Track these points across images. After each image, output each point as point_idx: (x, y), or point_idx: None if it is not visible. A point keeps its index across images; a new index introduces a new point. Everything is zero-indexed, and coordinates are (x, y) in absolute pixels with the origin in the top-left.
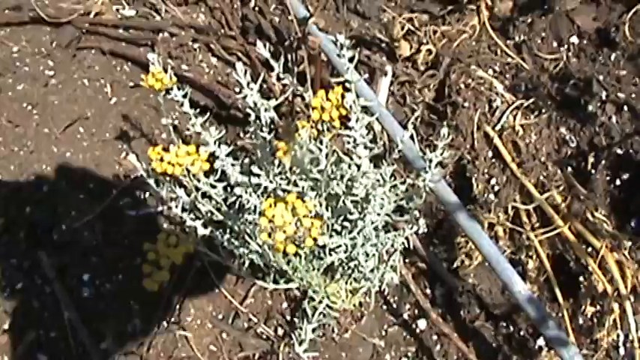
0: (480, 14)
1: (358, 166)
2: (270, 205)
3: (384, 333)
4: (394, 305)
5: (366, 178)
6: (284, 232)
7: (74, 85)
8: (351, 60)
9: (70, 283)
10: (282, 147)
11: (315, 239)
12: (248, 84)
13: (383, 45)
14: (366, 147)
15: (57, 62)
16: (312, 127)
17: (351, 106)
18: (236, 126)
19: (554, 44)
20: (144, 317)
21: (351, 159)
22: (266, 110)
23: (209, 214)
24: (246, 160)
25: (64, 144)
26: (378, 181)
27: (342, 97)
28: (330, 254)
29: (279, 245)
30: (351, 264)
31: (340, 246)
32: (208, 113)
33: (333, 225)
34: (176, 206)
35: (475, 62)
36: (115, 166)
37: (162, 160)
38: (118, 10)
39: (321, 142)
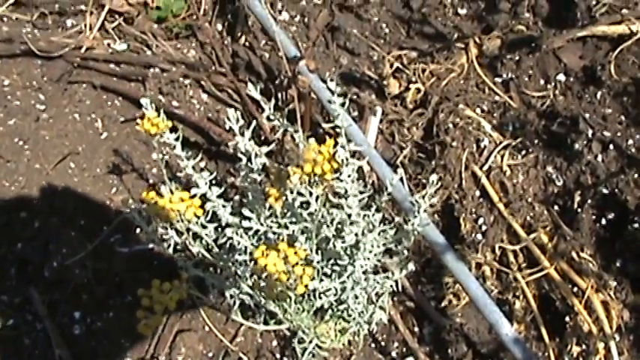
0: (469, 52)
1: (348, 215)
2: (263, 254)
3: None
4: (382, 344)
5: (356, 226)
6: (277, 280)
7: (65, 119)
8: (341, 105)
9: (61, 321)
10: (274, 193)
11: (306, 286)
12: (241, 132)
13: (372, 82)
14: (356, 196)
15: (48, 96)
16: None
17: (342, 160)
18: (226, 162)
19: (542, 82)
20: (135, 355)
21: (341, 206)
22: (257, 156)
23: (200, 255)
24: (237, 198)
25: (56, 179)
26: (368, 225)
27: (335, 151)
28: (320, 297)
29: (272, 292)
30: (341, 307)
31: (330, 289)
32: (198, 150)
33: (323, 268)
34: (167, 246)
35: (463, 101)
36: (106, 202)
37: (156, 204)
38: (109, 44)
39: (312, 187)
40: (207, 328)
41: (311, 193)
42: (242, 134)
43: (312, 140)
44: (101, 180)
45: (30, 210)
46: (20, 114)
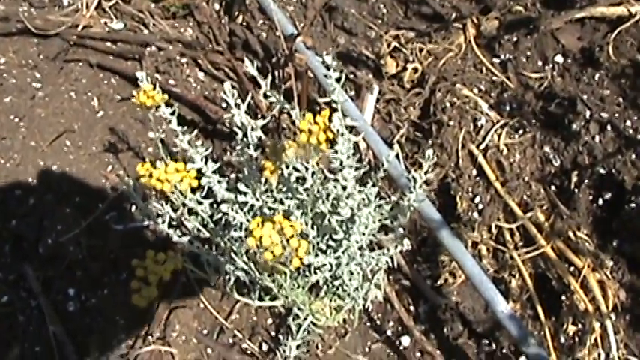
0: (466, 32)
1: (344, 187)
2: (258, 225)
3: (367, 350)
4: (378, 322)
5: (352, 199)
6: (271, 252)
7: (61, 97)
8: (337, 80)
9: (56, 297)
10: (269, 167)
11: (301, 259)
12: (236, 104)
13: (369, 62)
14: (351, 167)
15: (44, 74)
16: (298, 147)
17: (338, 130)
18: (222, 141)
19: (539, 63)
20: (129, 332)
21: (337, 180)
22: (253, 130)
23: (195, 231)
24: (233, 177)
25: (51, 157)
26: (364, 200)
27: (330, 120)
28: (315, 273)
29: (266, 265)
30: (336, 282)
31: (325, 265)
32: (195, 128)
33: (318, 244)
34: (162, 222)
35: (460, 80)
36: (101, 180)
37: (150, 176)
38: (106, 23)
39: (307, 162)
40: (201, 305)
41: (307, 168)
42: (237, 107)
43: (309, 114)
44: (97, 158)
45: (25, 187)
46: (16, 91)
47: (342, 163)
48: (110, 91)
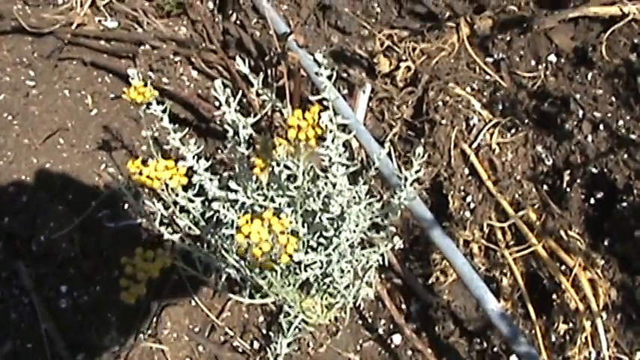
0: (460, 32)
1: (334, 184)
2: (247, 222)
3: (358, 348)
4: (369, 320)
5: (342, 197)
6: (260, 248)
7: (55, 95)
8: (329, 78)
9: (48, 294)
10: (259, 163)
11: (290, 255)
12: (227, 101)
13: (362, 61)
14: (342, 165)
15: (38, 72)
16: (288, 143)
17: (326, 126)
18: (215, 139)
19: (533, 62)
20: (121, 329)
21: (327, 177)
22: (244, 127)
23: (187, 228)
24: (225, 175)
25: (44, 155)
26: (354, 198)
27: (319, 116)
28: (306, 270)
29: (255, 261)
30: (327, 280)
31: (316, 262)
32: (188, 127)
33: (308, 241)
34: (154, 220)
35: (453, 79)
36: (94, 178)
37: (140, 173)
38: (100, 21)
39: (298, 159)
40: (193, 303)
41: (298, 166)
42: (228, 104)
43: (298, 110)
44: (90, 156)
45: (18, 185)
46: (10, 89)
47: (330, 159)
48: (104, 89)
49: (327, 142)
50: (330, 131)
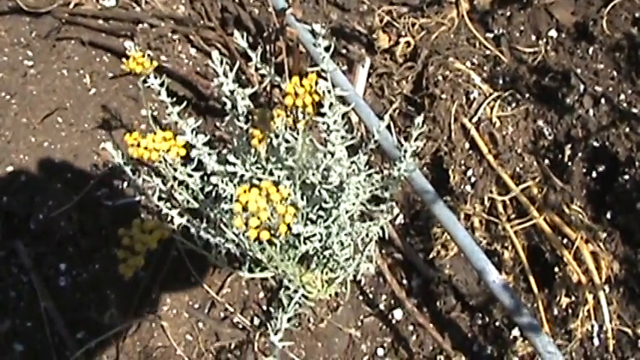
0: (459, 7)
1: (332, 154)
2: (245, 191)
3: (359, 323)
4: (370, 296)
5: (340, 166)
6: (258, 218)
7: (53, 75)
8: (327, 49)
9: (47, 273)
10: (257, 135)
11: (289, 226)
12: (224, 72)
13: (362, 37)
14: (339, 132)
15: (36, 52)
16: (287, 115)
17: (324, 92)
18: (214, 117)
19: (533, 37)
20: (120, 307)
21: (326, 147)
22: (242, 99)
23: (185, 203)
24: (224, 151)
25: (42, 134)
26: (354, 170)
27: (316, 83)
28: (305, 243)
29: (253, 232)
30: (326, 253)
31: (315, 235)
32: (186, 105)
33: (308, 214)
34: (152, 194)
35: (453, 54)
36: (93, 157)
37: (138, 145)
38: (97, 0)
39: (297, 132)
40: (193, 280)
41: (296, 138)
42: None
43: (295, 77)
44: (89, 135)
45: (16, 164)
46: (7, 69)
47: (328, 127)
48: (102, 68)
49: (324, 108)
50: (328, 99)
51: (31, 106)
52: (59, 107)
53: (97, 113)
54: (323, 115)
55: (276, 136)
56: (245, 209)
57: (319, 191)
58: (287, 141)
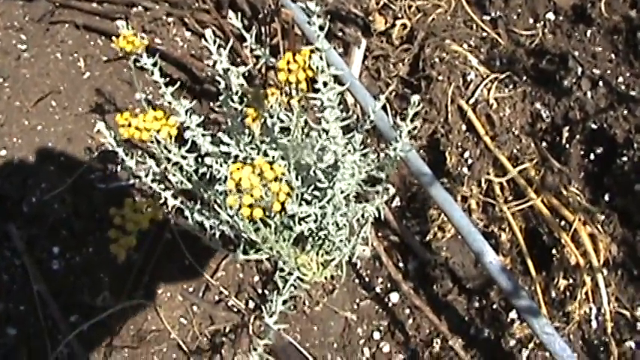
0: None
1: (327, 132)
2: (238, 169)
3: (355, 306)
4: (366, 279)
5: (335, 144)
6: (251, 196)
7: (47, 58)
8: (321, 28)
9: (40, 256)
10: (251, 114)
11: (283, 205)
12: (218, 50)
13: (358, 19)
14: (333, 109)
15: (30, 36)
16: (280, 93)
17: (317, 68)
18: (209, 100)
19: (530, 20)
20: (113, 290)
21: (322, 129)
22: (236, 77)
23: (179, 185)
24: (219, 134)
25: (36, 117)
26: (349, 151)
27: (310, 58)
28: (300, 224)
29: (246, 210)
30: (321, 234)
31: (310, 215)
32: (181, 87)
33: (303, 194)
34: (146, 176)
35: (450, 36)
36: (87, 140)
37: (129, 125)
38: None
39: (290, 111)
40: (187, 263)
41: (290, 118)
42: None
43: (288, 53)
44: (83, 119)
45: (9, 147)
46: (1, 53)
47: (322, 103)
48: (96, 52)
49: (318, 84)
50: (325, 83)
51: (25, 89)
52: (53, 91)
53: (91, 97)
54: (317, 91)
55: (271, 116)
56: (238, 187)
57: (314, 172)
58: (281, 120)
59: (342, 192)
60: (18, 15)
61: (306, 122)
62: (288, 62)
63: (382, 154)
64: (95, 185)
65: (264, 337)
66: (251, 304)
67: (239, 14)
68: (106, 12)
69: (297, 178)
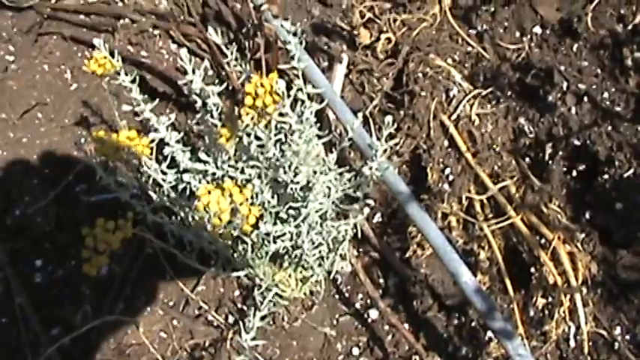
0: (442, 2)
1: (296, 153)
2: (209, 192)
3: (335, 322)
4: (346, 294)
5: (306, 165)
6: (219, 219)
7: (34, 70)
8: (302, 46)
9: (23, 269)
10: (225, 133)
11: (252, 226)
12: (193, 70)
13: (344, 33)
14: (302, 131)
15: (17, 47)
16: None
17: (283, 92)
18: (195, 113)
19: (517, 34)
20: (94, 304)
21: (289, 146)
22: (212, 96)
23: (159, 200)
24: (202, 148)
25: (21, 129)
26: (322, 172)
27: (276, 82)
28: (275, 242)
29: (216, 232)
30: (297, 252)
31: (285, 234)
32: (167, 100)
33: (278, 213)
34: (124, 190)
35: (434, 51)
36: (72, 152)
37: (103, 144)
38: None
39: (267, 129)
40: (167, 277)
41: (270, 138)
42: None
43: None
44: (69, 131)
45: None
46: None
47: (290, 126)
48: (84, 63)
49: (285, 109)
50: (302, 101)
51: (11, 101)
52: (39, 102)
53: (78, 109)
54: (283, 115)
55: (247, 135)
56: (206, 210)
57: (291, 189)
58: (258, 138)
59: (317, 211)
60: (6, 26)
61: (284, 140)
62: (256, 86)
63: (358, 170)
64: (79, 198)
65: (242, 353)
66: (231, 319)
67: (223, 28)
68: (94, 24)
69: (272, 197)
